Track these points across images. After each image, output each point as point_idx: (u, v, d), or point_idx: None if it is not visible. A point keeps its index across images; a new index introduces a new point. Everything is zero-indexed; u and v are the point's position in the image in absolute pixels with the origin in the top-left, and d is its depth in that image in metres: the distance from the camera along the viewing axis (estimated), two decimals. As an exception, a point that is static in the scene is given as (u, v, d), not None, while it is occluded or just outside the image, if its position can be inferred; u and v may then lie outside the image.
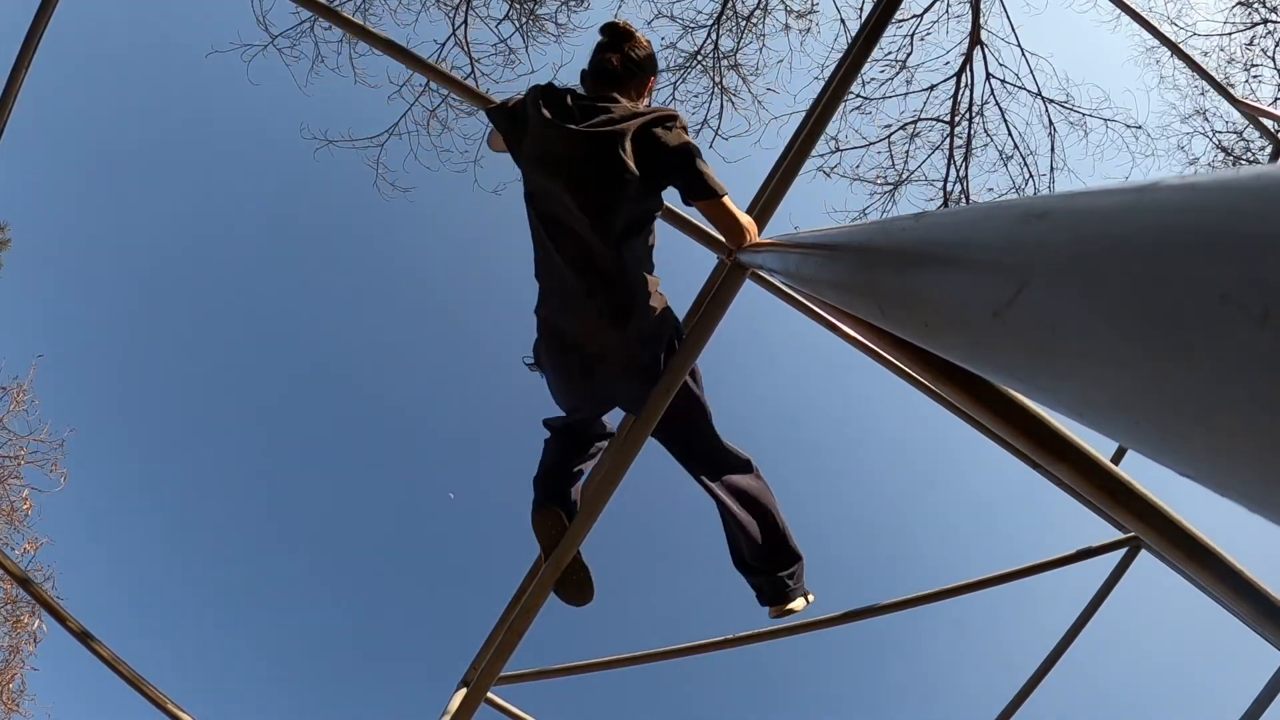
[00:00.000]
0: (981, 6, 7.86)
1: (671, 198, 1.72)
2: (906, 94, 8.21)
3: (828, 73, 7.71)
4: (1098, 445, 0.59)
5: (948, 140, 8.28)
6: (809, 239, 0.93)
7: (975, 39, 7.97)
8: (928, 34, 8.05)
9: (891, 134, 8.28)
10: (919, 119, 8.27)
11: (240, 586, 15.03)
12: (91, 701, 10.46)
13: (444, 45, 7.82)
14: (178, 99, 13.87)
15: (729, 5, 8.14)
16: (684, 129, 1.68)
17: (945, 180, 8.39)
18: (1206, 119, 8.39)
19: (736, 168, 8.19)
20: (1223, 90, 4.04)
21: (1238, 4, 7.96)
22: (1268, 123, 4.28)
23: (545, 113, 1.68)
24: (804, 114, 2.23)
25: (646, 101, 1.88)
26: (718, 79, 8.33)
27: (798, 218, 8.12)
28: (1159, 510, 0.60)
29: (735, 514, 1.90)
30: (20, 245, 12.44)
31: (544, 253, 1.77)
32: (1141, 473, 0.63)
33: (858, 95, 8.12)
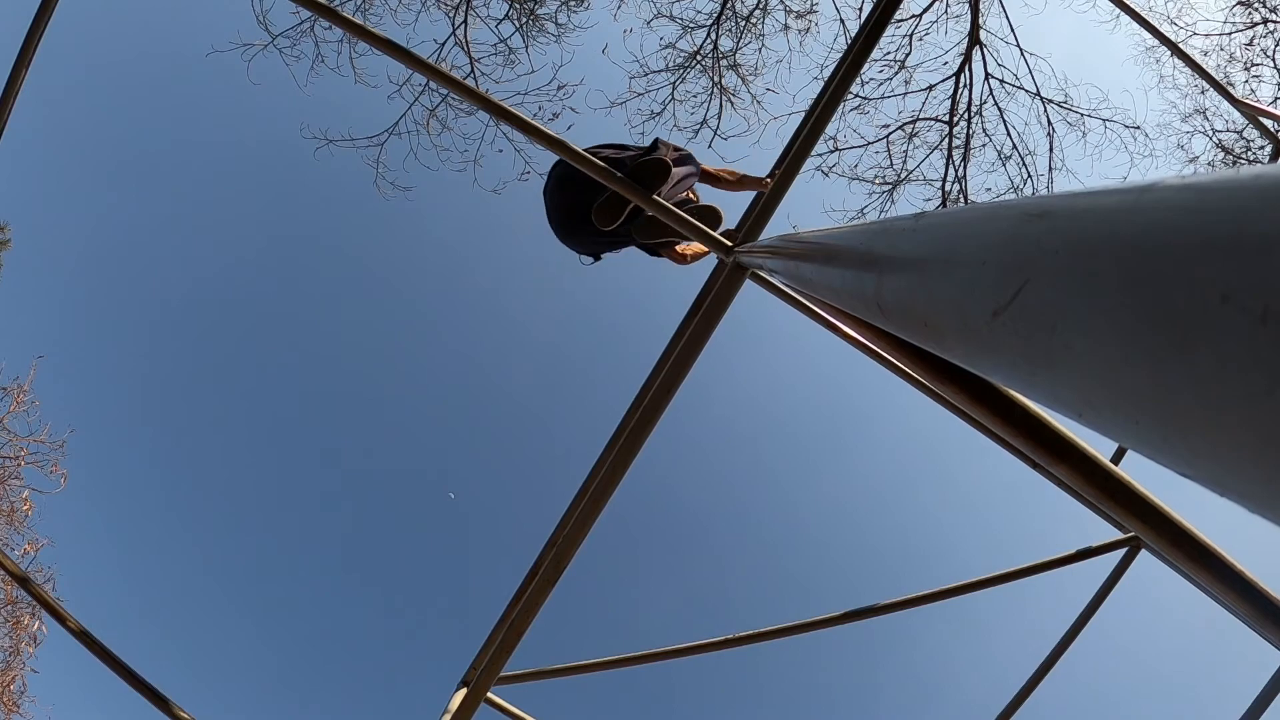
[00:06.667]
0: (980, 6, 7.86)
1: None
2: (905, 94, 8.21)
3: (827, 73, 7.72)
4: (1098, 445, 0.59)
5: (946, 140, 8.28)
6: (808, 239, 0.93)
7: (974, 39, 7.97)
8: (926, 34, 8.05)
9: (890, 134, 8.28)
10: (918, 119, 8.27)
11: (240, 586, 15.03)
12: (91, 701, 10.46)
13: (444, 45, 7.83)
14: (178, 98, 13.86)
15: (729, 5, 8.14)
16: None
17: (944, 180, 8.39)
18: (1206, 119, 8.39)
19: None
20: (1223, 90, 4.03)
21: (1238, 4, 7.96)
22: (1268, 123, 4.27)
23: None
24: (803, 114, 2.23)
25: None
26: (717, 79, 8.33)
27: (797, 217, 8.13)
28: (1159, 510, 0.60)
29: None
30: (20, 245, 12.44)
31: None
32: (1141, 473, 0.63)
33: (857, 95, 8.12)
